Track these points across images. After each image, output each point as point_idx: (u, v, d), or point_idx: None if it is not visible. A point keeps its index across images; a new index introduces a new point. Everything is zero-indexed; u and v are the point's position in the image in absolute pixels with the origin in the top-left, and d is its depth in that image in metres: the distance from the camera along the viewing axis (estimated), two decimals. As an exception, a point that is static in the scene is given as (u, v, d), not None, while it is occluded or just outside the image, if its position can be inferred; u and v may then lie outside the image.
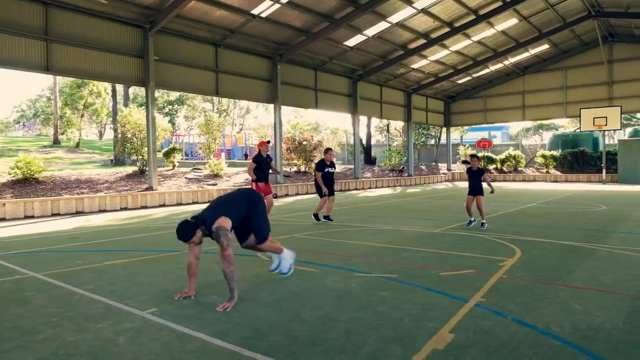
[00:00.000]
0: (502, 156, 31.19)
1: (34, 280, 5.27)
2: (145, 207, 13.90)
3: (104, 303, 4.31)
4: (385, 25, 18.83)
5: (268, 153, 9.53)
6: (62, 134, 38.17)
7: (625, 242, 7.36)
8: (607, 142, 31.16)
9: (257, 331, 3.59)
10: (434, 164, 34.57)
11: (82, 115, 40.14)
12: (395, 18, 18.32)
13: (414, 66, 24.38)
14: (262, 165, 9.18)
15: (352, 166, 25.94)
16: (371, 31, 19.08)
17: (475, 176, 8.93)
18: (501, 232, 8.47)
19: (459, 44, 22.63)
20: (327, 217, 10.28)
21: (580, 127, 25.94)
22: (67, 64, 13.00)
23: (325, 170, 9.98)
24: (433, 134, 36.52)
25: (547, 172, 29.24)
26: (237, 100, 51.09)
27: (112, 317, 3.90)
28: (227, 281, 4.18)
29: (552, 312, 3.97)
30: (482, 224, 8.82)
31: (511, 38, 23.56)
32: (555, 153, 29.45)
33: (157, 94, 49.82)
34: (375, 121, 44.76)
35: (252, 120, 48.29)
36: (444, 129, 33.56)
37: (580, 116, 25.23)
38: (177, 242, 4.38)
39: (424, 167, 32.77)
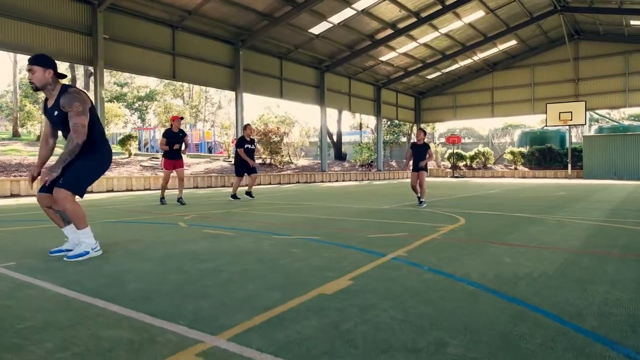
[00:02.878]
0: (472, 153, 31.18)
1: None
2: (91, 192, 13.08)
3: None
4: (351, 12, 18.42)
5: (181, 128, 8.99)
6: (22, 126, 36.65)
7: (577, 214, 7.04)
8: (574, 140, 31.50)
9: (117, 279, 3.03)
10: (404, 160, 34.35)
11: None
12: (360, 5, 17.94)
13: (383, 59, 24.07)
14: (170, 139, 8.66)
15: (320, 161, 25.43)
16: (336, 18, 18.65)
17: (420, 151, 8.43)
18: (452, 208, 8.07)
19: (427, 35, 22.42)
20: (248, 194, 10.28)
21: (546, 122, 26.02)
22: (4, 36, 12.14)
23: (245, 147, 9.97)
24: (405, 131, 36.35)
25: (515, 168, 29.32)
26: (208, 97, 50.15)
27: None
28: (63, 153, 3.53)
29: (477, 264, 3.52)
30: (421, 202, 8.32)
31: (479, 32, 23.49)
32: (524, 150, 29.57)
33: (125, 89, 48.56)
34: (348, 120, 44.46)
35: (224, 117, 47.36)
36: (415, 126, 33.44)
37: (546, 111, 25.33)
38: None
39: (394, 164, 32.53)
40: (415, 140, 8.74)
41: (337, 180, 22.84)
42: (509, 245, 4.29)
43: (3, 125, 59.80)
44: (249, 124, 10.47)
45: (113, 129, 32.91)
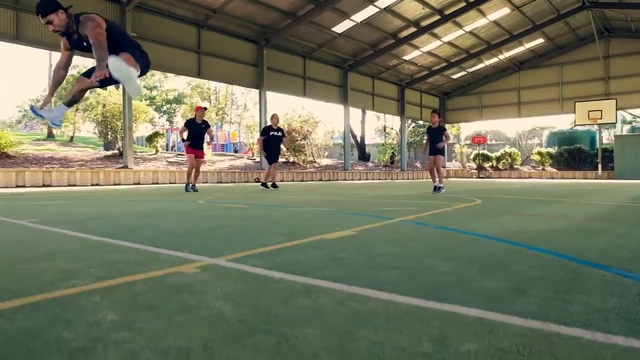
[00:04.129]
0: (498, 154, 30.65)
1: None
2: (118, 184, 13.49)
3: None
4: (374, 10, 18.46)
5: (204, 119, 9.10)
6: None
7: (599, 199, 6.89)
8: (605, 141, 30.59)
9: (131, 230, 3.18)
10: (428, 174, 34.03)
11: (77, 110, 40.02)
12: (383, 3, 17.96)
13: (407, 58, 23.99)
14: (192, 129, 8.80)
15: (343, 161, 25.48)
16: (359, 17, 18.72)
17: (436, 134, 8.36)
18: (471, 194, 8.00)
19: (451, 34, 22.24)
20: (274, 185, 10.45)
21: (575, 121, 25.40)
22: (37, 34, 12.68)
23: (270, 134, 10.17)
24: (429, 132, 35.99)
25: (543, 169, 28.67)
26: (234, 99, 50.93)
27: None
28: (96, 57, 3.48)
29: (485, 224, 3.53)
30: (438, 188, 8.19)
31: (504, 30, 23.15)
32: (552, 150, 28.90)
33: (155, 93, 49.80)
34: (373, 123, 44.38)
35: (250, 119, 47.88)
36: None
37: (575, 110, 24.73)
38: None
39: (418, 165, 32.30)
40: (430, 124, 8.69)
41: (359, 179, 22.84)
42: (523, 215, 4.27)
43: (39, 128, 62.11)
44: (275, 114, 10.59)
45: (142, 131, 33.82)
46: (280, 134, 10.38)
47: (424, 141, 9.56)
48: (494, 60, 26.91)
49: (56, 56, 39.08)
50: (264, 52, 18.58)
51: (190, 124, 8.96)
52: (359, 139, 32.44)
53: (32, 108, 3.80)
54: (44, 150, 25.80)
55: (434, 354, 1.01)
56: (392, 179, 25.03)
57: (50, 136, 37.50)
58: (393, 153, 29.74)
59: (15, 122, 67.86)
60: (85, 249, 2.39)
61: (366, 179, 23.21)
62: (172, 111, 51.07)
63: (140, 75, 3.79)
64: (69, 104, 3.78)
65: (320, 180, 20.38)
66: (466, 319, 1.26)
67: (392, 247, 2.40)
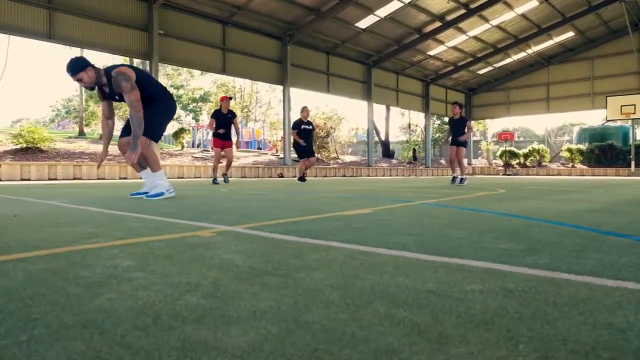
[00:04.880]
0: (526, 150, 29.99)
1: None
2: (141, 179, 13.77)
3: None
4: (398, 5, 18.32)
5: (230, 109, 9.02)
6: (87, 125, 39.18)
7: (628, 189, 6.69)
8: (639, 136, 29.56)
9: (155, 207, 3.26)
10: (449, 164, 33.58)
11: (106, 109, 41.14)
12: (407, -3, 17.83)
13: (431, 53, 23.72)
14: (218, 120, 8.77)
15: (366, 158, 25.40)
16: (383, 12, 18.61)
17: (458, 125, 8.23)
18: (497, 186, 7.88)
19: (477, 28, 21.87)
20: (301, 178, 10.30)
21: (607, 117, 24.65)
22: (69, 32, 13.08)
23: (302, 127, 10.00)
24: (455, 129, 35.50)
25: (573, 166, 27.92)
26: (258, 97, 51.37)
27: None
28: (132, 129, 3.81)
29: (505, 205, 3.48)
30: (461, 179, 8.09)
31: (532, 23, 22.63)
32: (582, 147, 28.12)
33: (181, 91, 50.68)
34: (397, 121, 44.08)
35: (274, 117, 48.23)
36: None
37: (607, 105, 23.99)
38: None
39: (443, 162, 31.91)
40: (452, 115, 8.58)
41: (383, 175, 22.73)
42: (547, 200, 4.19)
43: (71, 127, 64.00)
44: (305, 106, 10.43)
45: (168, 129, 34.52)
46: (310, 127, 10.23)
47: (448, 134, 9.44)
48: (521, 54, 26.35)
49: (89, 53, 39.98)
50: (288, 48, 18.68)
51: (216, 115, 8.88)
52: (382, 136, 32.28)
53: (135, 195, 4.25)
54: (75, 147, 26.56)
55: (438, 291, 1.02)
56: (415, 175, 24.82)
57: (81, 134, 38.60)
58: (414, 150, 29.55)
59: (49, 121, 70.15)
60: (108, 219, 2.48)
61: (390, 175, 23.08)
62: (198, 109, 51.89)
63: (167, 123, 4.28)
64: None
65: (344, 176, 20.38)
66: (474, 268, 1.26)
67: (407, 220, 2.40)
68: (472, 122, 31.18)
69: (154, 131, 4.02)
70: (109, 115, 4.15)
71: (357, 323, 0.81)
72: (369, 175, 21.67)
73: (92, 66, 3.85)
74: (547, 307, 0.90)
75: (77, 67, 3.78)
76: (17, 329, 0.78)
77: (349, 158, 27.02)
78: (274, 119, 41.70)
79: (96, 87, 3.87)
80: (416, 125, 39.13)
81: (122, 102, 4.08)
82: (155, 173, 4.09)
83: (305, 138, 10.05)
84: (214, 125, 8.85)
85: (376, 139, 29.07)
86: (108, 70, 3.88)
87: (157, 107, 4.02)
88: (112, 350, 0.69)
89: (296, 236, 1.83)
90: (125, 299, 0.95)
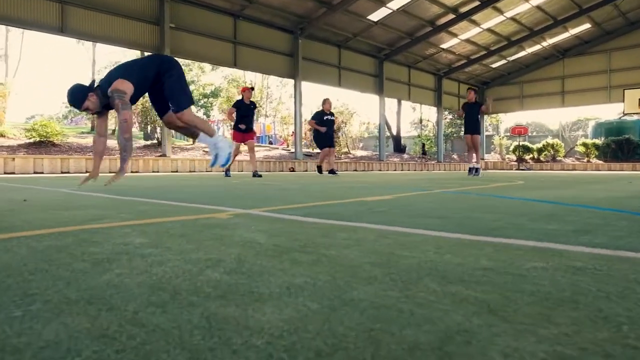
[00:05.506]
0: (539, 145, 29.54)
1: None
2: (157, 172, 13.77)
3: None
4: (410, -3, 18.06)
5: (252, 100, 8.84)
6: (99, 121, 39.48)
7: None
8: (657, 131, 28.97)
9: (167, 194, 3.16)
10: (466, 153, 33.23)
11: (118, 104, 41.48)
12: (420, -12, 17.55)
13: (444, 46, 23.38)
14: (240, 110, 8.56)
15: (378, 152, 25.20)
16: (395, 4, 18.33)
17: (472, 111, 7.94)
18: (513, 179, 7.67)
19: (491, 20, 21.49)
20: (331, 171, 9.94)
21: (624, 111, 24.15)
22: (81, 26, 13.06)
23: (324, 119, 9.79)
24: (467, 124, 35.07)
25: (588, 161, 27.44)
26: (269, 92, 51.27)
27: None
28: (120, 150, 3.58)
29: (533, 194, 3.31)
30: (476, 169, 7.83)
31: (548, 15, 22.18)
32: (598, 141, 27.61)
33: (192, 87, 50.67)
34: (409, 115, 43.73)
35: (285, 112, 48.21)
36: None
37: (624, 98, 23.50)
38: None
39: (456, 156, 31.60)
40: (467, 101, 8.30)
41: (394, 170, 22.53)
42: (575, 189, 4.01)
43: (84, 123, 64.61)
44: (327, 98, 10.26)
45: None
46: (333, 117, 10.06)
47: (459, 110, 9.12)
48: (536, 47, 25.89)
49: (100, 48, 40.06)
50: (299, 41, 18.51)
51: (238, 105, 8.63)
52: (394, 131, 32.02)
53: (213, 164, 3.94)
54: (87, 141, 26.69)
55: (495, 269, 0.88)
56: (427, 170, 24.58)
57: (93, 129, 38.95)
58: (423, 144, 29.27)
59: (62, 117, 70.88)
60: (118, 203, 2.37)
61: (401, 170, 22.87)
62: (209, 105, 51.94)
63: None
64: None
65: (355, 170, 20.21)
66: (523, 247, 1.12)
67: (432, 205, 2.26)
68: (485, 116, 30.81)
69: (189, 97, 3.81)
70: (103, 133, 3.95)
71: (411, 300, 0.68)
72: (380, 170, 21.48)
73: (92, 88, 3.56)
74: (635, 285, 0.76)
75: (79, 97, 3.50)
76: (11, 304, 0.66)
77: (360, 153, 26.84)
78: (285, 114, 41.65)
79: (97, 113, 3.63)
80: (428, 120, 38.79)
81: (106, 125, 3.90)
82: (215, 137, 3.92)
83: (328, 126, 9.85)
84: (235, 115, 8.66)
85: (387, 133, 28.83)
86: (102, 85, 3.57)
87: (171, 75, 3.71)
88: (122, 328, 0.57)
89: (319, 218, 1.70)
90: (137, 274, 0.83)
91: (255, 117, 9.09)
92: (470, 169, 7.86)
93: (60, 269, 0.87)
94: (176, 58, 4.52)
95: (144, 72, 3.63)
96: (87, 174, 3.91)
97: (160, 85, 3.67)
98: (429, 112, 36.83)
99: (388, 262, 0.93)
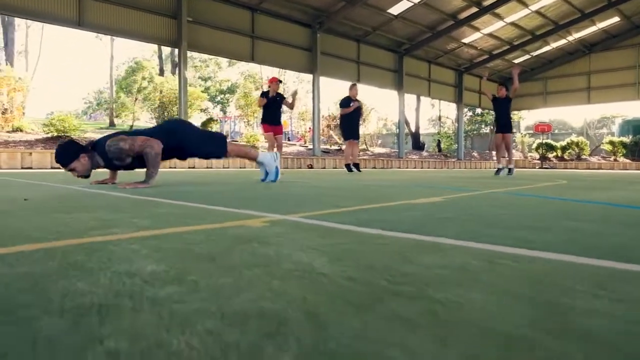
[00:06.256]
0: (563, 143, 28.70)
1: None
2: (174, 168, 13.56)
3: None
4: (433, -11, 17.54)
5: (279, 92, 8.54)
6: (117, 116, 39.75)
7: None
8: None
9: (186, 194, 2.83)
10: (487, 151, 32.51)
11: (136, 99, 41.75)
12: (442, -20, 17.02)
13: (466, 41, 22.77)
14: (268, 102, 8.24)
15: (396, 149, 24.74)
16: (417, -4, 17.84)
17: (504, 107, 7.39)
18: (546, 179, 7.20)
19: (515, 13, 20.82)
20: (356, 166, 9.49)
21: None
22: (99, 20, 12.89)
23: (351, 105, 9.16)
24: (488, 121, 34.42)
25: (615, 159, 26.56)
26: (286, 88, 50.98)
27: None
28: (147, 166, 3.35)
29: (596, 195, 2.91)
30: (509, 170, 7.31)
31: (575, 8, 21.40)
32: (625, 139, 26.69)
33: (209, 83, 50.77)
34: (428, 112, 43.03)
35: (302, 108, 47.98)
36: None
37: (654, 95, 22.61)
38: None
39: (476, 154, 30.92)
40: (498, 96, 7.73)
41: (414, 167, 22.05)
42: (626, 190, 3.59)
43: (102, 119, 65.31)
44: (355, 84, 9.72)
45: (196, 120, 34.60)
46: (360, 104, 9.41)
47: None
48: (561, 42, 25.08)
49: (118, 44, 40.24)
50: (318, 36, 18.14)
51: (265, 96, 8.40)
52: (413, 128, 31.47)
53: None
54: (105, 138, 26.72)
55: None
56: (447, 167, 24.03)
57: (112, 125, 39.18)
58: (439, 141, 28.67)
59: (82, 113, 71.71)
60: (131, 204, 2.04)
61: (420, 167, 22.37)
62: (226, 101, 51.96)
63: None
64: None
65: (374, 167, 19.80)
66: None
67: (501, 210, 1.89)
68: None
69: (216, 140, 3.85)
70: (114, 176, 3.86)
71: None
72: (399, 167, 21.02)
73: (84, 149, 3.27)
74: None
75: (67, 155, 3.23)
76: None
77: (378, 150, 26.39)
78: (302, 110, 41.35)
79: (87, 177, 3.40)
80: (447, 117, 38.12)
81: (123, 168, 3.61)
82: (259, 158, 4.10)
83: (355, 117, 9.33)
84: (263, 105, 8.43)
85: (406, 130, 28.31)
86: (99, 148, 3.31)
87: (187, 140, 3.61)
88: None
89: (378, 228, 1.34)
90: (144, 355, 0.47)
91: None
92: (498, 170, 7.34)
93: (7, 339, 0.52)
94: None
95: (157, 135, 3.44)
96: (103, 179, 3.67)
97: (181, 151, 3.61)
98: (448, 109, 36.20)
99: (564, 324, 0.56)
